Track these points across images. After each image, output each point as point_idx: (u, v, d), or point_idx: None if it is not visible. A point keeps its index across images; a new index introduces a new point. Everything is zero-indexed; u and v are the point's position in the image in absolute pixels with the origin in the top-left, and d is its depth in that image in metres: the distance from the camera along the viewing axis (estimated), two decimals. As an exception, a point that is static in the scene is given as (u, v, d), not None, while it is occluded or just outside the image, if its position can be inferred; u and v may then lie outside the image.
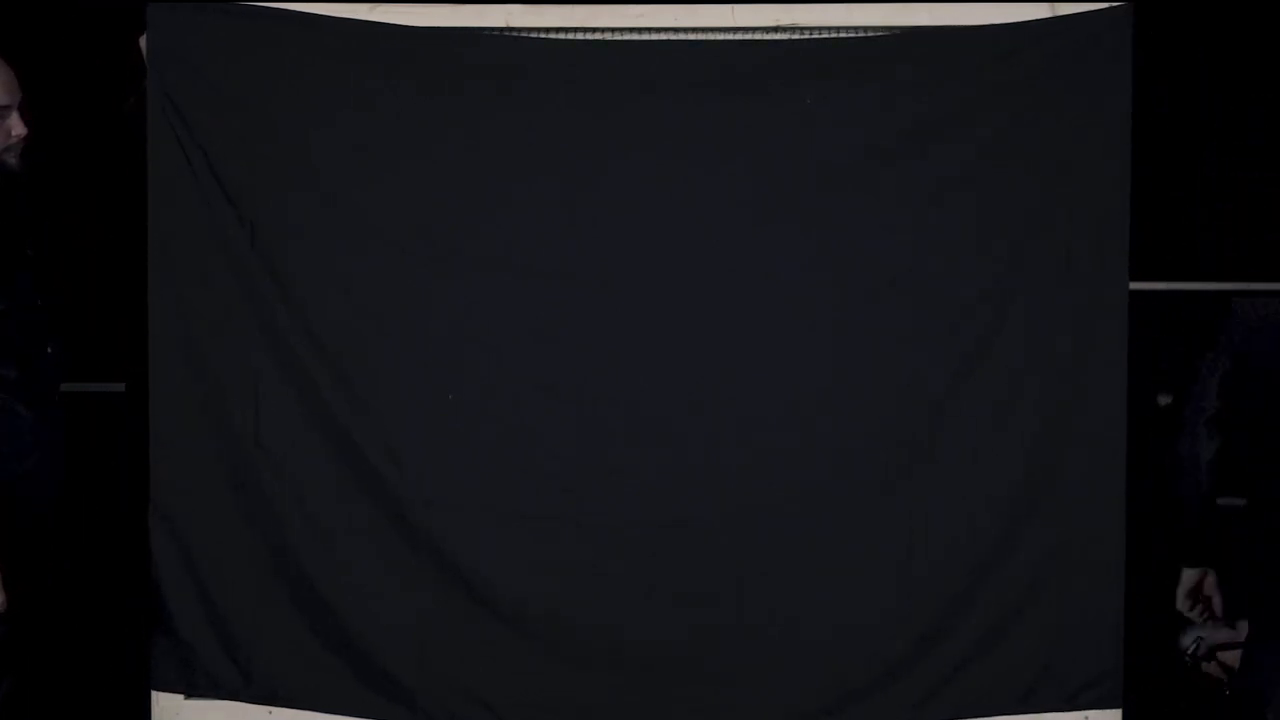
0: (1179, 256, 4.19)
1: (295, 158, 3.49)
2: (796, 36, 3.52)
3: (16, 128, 3.38)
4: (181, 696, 3.55)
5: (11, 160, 3.40)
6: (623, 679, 3.55)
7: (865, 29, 3.52)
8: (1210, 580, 3.17)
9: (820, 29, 3.53)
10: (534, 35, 3.51)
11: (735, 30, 3.52)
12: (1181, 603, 3.21)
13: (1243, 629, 3.11)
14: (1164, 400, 4.25)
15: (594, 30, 3.52)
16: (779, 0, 3.53)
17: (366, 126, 3.48)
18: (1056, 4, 3.50)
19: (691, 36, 3.52)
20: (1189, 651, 2.86)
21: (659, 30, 3.52)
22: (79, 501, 3.88)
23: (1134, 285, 3.54)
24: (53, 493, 3.38)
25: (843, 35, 3.52)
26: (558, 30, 3.52)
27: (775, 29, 3.52)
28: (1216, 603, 3.13)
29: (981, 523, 3.53)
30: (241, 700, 3.55)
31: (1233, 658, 3.02)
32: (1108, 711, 3.56)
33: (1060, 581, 3.54)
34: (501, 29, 3.52)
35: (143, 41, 3.46)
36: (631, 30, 3.53)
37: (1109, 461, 3.52)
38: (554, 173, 3.50)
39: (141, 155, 3.47)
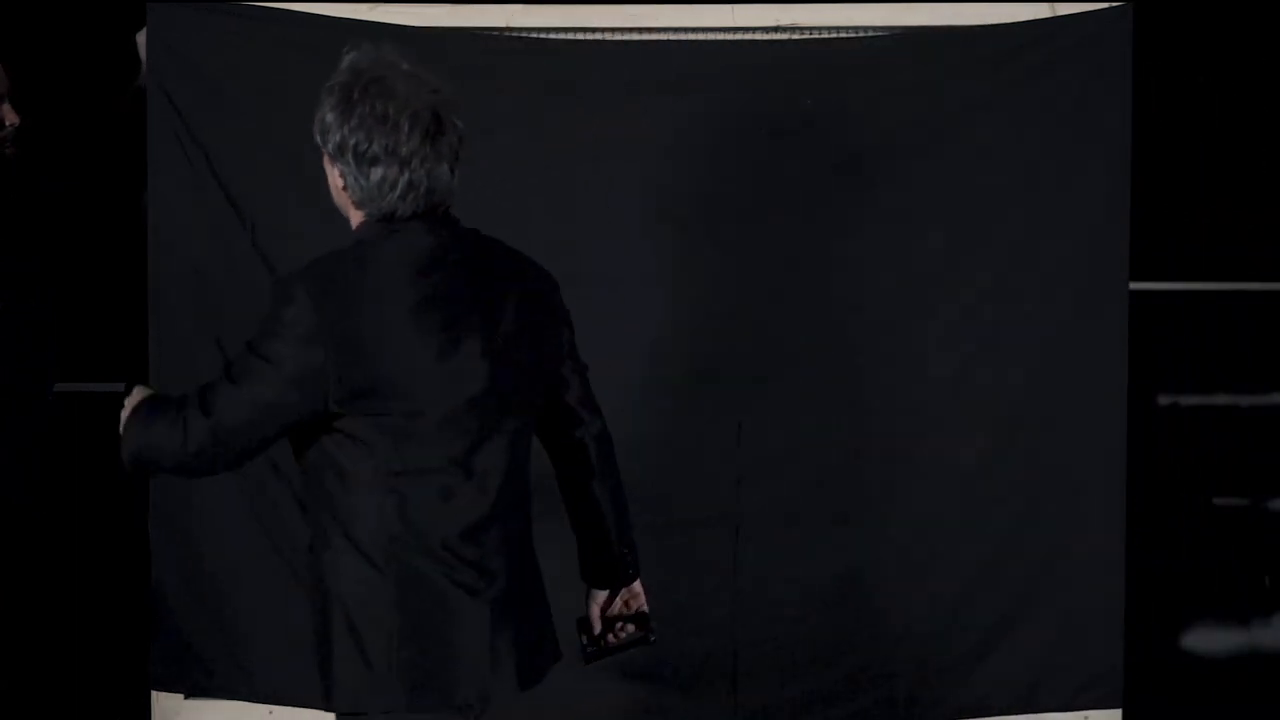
0: (1179, 256, 4.18)
1: (295, 158, 3.48)
2: (796, 36, 3.52)
3: (10, 116, 3.39)
4: (181, 696, 3.55)
5: (7, 150, 3.42)
6: (625, 679, 3.55)
7: (865, 29, 3.53)
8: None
9: (820, 29, 3.53)
10: (533, 35, 3.51)
11: (735, 30, 3.52)
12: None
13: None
14: (1164, 400, 4.25)
15: (594, 30, 3.53)
16: (779, 0, 3.53)
17: (366, 126, 3.48)
18: (1056, 4, 3.51)
19: (691, 36, 3.52)
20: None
21: (659, 30, 3.52)
22: (79, 502, 3.88)
23: (1134, 285, 3.54)
24: (38, 492, 3.40)
25: (843, 35, 3.52)
26: (557, 30, 3.52)
27: (775, 29, 3.53)
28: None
29: (983, 523, 3.54)
30: (241, 700, 3.55)
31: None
32: (1108, 711, 3.57)
33: (1060, 581, 3.54)
34: (501, 29, 3.52)
35: (140, 38, 3.46)
36: (631, 30, 3.53)
37: (1109, 462, 3.52)
38: (552, 172, 3.50)
39: (138, 153, 3.48)
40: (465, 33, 3.51)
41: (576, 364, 2.58)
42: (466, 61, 3.48)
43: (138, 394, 2.48)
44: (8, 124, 3.39)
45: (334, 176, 2.39)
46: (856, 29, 3.53)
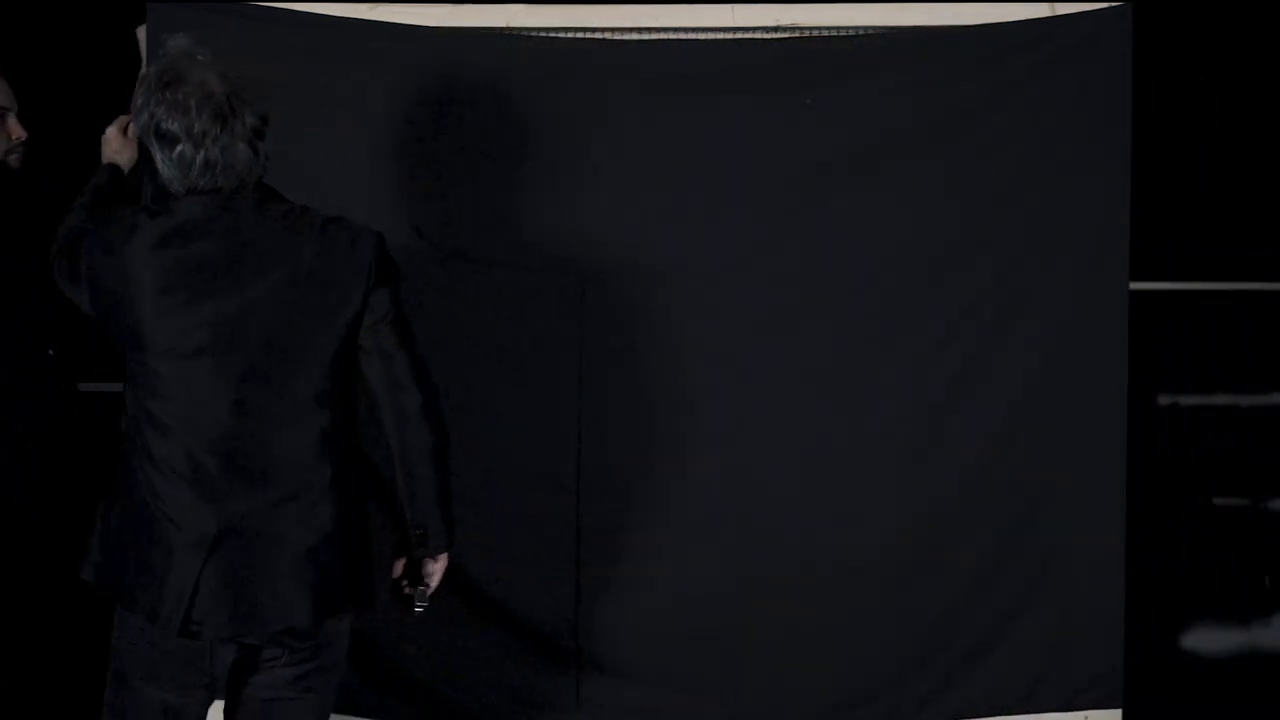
0: (1179, 256, 4.19)
1: (294, 158, 3.48)
2: (796, 36, 3.52)
3: (16, 130, 3.43)
4: (181, 696, 3.54)
5: (13, 161, 3.46)
6: (625, 681, 3.55)
7: (865, 29, 3.53)
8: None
9: (820, 29, 3.53)
10: (533, 35, 3.51)
11: (735, 30, 3.52)
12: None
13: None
14: (1164, 400, 4.25)
15: (594, 30, 3.53)
16: (779, 0, 3.53)
17: (366, 127, 3.48)
18: (1056, 4, 3.51)
19: (691, 36, 3.52)
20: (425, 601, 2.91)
21: (659, 30, 3.52)
22: (79, 502, 3.88)
23: (1134, 285, 3.54)
24: (38, 492, 3.40)
25: (842, 35, 3.52)
26: (558, 30, 3.52)
27: (775, 29, 3.53)
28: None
29: (983, 523, 3.54)
30: (242, 700, 3.54)
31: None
32: (1108, 711, 3.57)
33: (1060, 581, 3.55)
34: (501, 29, 3.52)
35: (140, 33, 3.46)
36: (631, 30, 3.53)
37: (1109, 461, 3.52)
38: (552, 171, 3.50)
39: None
40: (465, 33, 3.51)
41: (387, 338, 2.74)
42: (467, 61, 3.49)
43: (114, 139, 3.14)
44: (14, 138, 3.43)
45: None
46: (856, 29, 3.52)
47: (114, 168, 3.14)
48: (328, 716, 2.87)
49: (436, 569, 2.89)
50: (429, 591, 2.88)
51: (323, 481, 2.70)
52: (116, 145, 3.17)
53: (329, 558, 2.71)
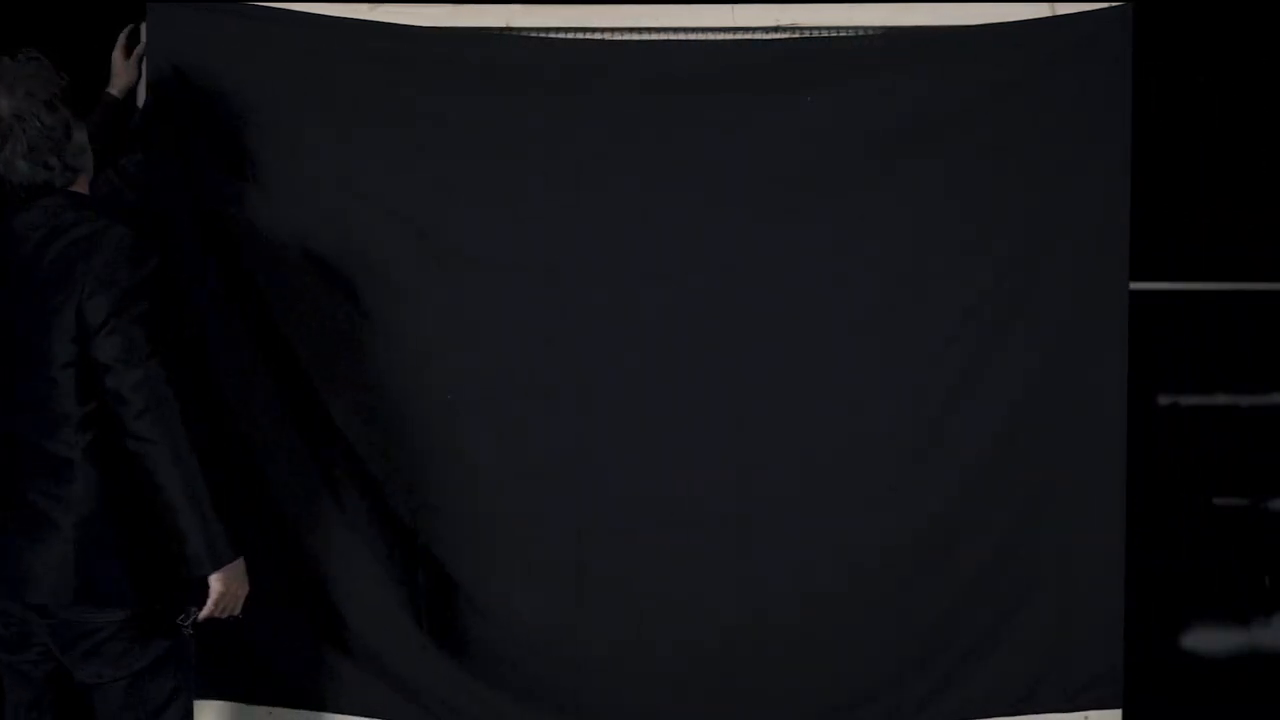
0: (1179, 256, 4.19)
1: (295, 158, 3.48)
2: (796, 36, 3.52)
3: None
4: (182, 697, 3.54)
5: None
6: (626, 682, 3.55)
7: (865, 29, 3.53)
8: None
9: (820, 29, 3.53)
10: (533, 35, 3.51)
11: (735, 30, 3.52)
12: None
13: None
14: (1164, 400, 4.25)
15: (593, 30, 3.53)
16: (779, 0, 3.53)
17: (365, 127, 3.48)
18: (1056, 4, 3.51)
19: (691, 36, 3.52)
20: (187, 621, 2.94)
21: (659, 30, 3.52)
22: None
23: (1134, 285, 3.54)
24: None
25: (843, 35, 3.52)
26: (557, 30, 3.52)
27: (775, 29, 3.53)
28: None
29: (984, 524, 3.54)
30: (244, 701, 3.55)
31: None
32: (1108, 712, 3.57)
33: (1060, 582, 3.55)
34: (501, 29, 3.52)
35: (144, 28, 3.47)
36: (631, 30, 3.53)
37: (1109, 461, 3.52)
38: (553, 173, 3.50)
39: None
40: (464, 33, 3.51)
41: (110, 347, 2.83)
42: (467, 61, 3.48)
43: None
44: None
45: None
46: (856, 29, 3.52)
47: (106, 100, 3.44)
48: (158, 713, 2.97)
49: (211, 590, 2.91)
50: (199, 614, 2.93)
51: (80, 479, 2.85)
52: (116, 68, 3.46)
53: (81, 549, 2.83)
